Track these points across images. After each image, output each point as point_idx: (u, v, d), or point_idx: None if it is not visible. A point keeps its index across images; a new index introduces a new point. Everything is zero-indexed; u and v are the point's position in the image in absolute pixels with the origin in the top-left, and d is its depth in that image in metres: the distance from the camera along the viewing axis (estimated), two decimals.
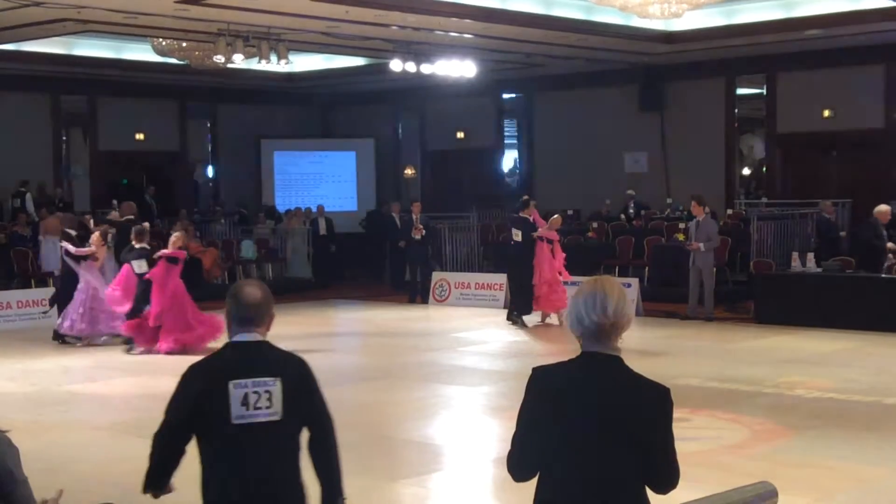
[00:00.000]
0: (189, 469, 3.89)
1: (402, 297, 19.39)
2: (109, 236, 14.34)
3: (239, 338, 3.84)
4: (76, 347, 13.70)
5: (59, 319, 13.92)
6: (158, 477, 3.90)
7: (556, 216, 15.92)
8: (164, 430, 3.85)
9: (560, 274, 15.29)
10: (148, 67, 21.30)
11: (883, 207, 15.78)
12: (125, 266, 13.46)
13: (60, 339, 13.89)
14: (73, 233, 14.22)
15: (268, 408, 3.74)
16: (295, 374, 3.85)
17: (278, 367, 3.82)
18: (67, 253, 13.82)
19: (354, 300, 19.84)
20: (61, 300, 14.20)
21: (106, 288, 13.77)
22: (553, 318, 15.50)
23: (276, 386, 3.75)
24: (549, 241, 15.31)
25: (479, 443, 8.69)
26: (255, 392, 3.73)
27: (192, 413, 3.77)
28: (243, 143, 25.81)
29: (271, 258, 22.12)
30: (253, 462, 3.74)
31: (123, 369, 12.24)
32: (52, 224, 19.02)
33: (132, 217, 15.93)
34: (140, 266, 13.22)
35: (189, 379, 3.85)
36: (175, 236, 13.73)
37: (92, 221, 15.25)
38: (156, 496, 3.94)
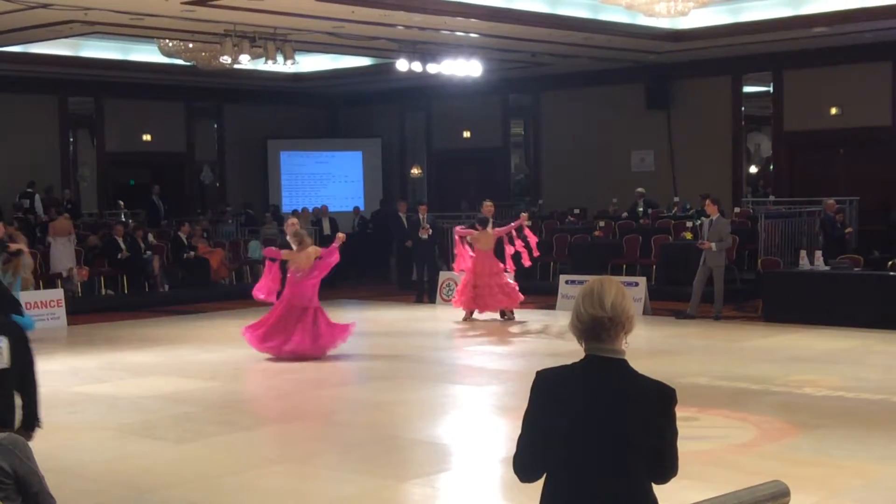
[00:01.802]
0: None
1: (409, 296, 19.40)
2: None
3: None
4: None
5: None
6: None
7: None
8: None
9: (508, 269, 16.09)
10: (155, 69, 21.35)
11: None
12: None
13: None
14: None
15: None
16: (16, 335, 5.45)
17: (5, 329, 5.40)
18: None
19: (361, 300, 19.85)
20: None
21: None
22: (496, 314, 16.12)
23: (4, 343, 5.33)
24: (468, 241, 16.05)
25: (488, 442, 8.68)
26: None
27: None
28: (250, 143, 25.86)
29: None
30: None
31: (132, 370, 12.27)
32: (62, 225, 19.08)
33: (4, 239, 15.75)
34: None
35: None
36: (291, 221, 13.76)
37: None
38: None
